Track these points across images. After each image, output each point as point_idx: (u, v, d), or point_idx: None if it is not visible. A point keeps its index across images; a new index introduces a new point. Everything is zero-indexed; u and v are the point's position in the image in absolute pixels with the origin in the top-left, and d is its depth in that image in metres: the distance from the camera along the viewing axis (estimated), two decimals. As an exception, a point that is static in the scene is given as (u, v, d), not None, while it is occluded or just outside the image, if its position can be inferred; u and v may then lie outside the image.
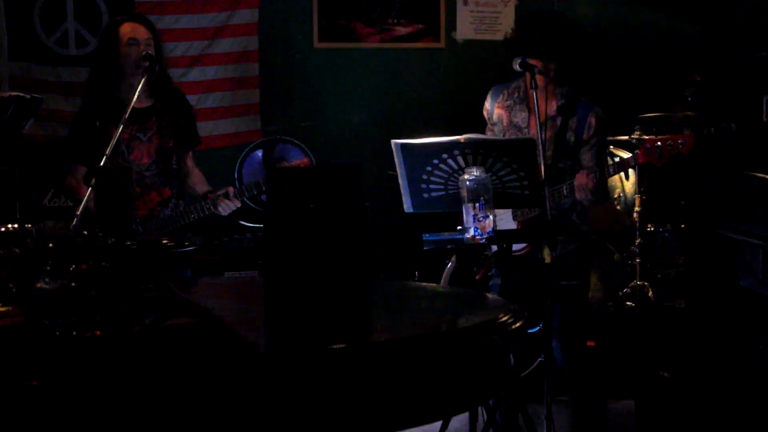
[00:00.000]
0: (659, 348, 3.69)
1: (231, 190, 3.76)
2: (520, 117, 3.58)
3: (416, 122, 5.80)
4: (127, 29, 3.73)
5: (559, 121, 3.51)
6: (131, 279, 1.95)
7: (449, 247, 3.74)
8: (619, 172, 3.52)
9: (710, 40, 6.22)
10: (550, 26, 3.48)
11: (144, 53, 3.61)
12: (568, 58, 3.49)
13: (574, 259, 3.58)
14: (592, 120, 3.52)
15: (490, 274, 3.70)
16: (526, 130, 3.55)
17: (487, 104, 3.69)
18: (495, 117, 3.64)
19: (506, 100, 3.63)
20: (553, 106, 3.53)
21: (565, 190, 3.43)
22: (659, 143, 3.40)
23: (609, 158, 4.91)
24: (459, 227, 2.98)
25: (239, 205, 3.79)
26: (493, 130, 3.63)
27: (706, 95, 5.14)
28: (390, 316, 1.95)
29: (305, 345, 1.55)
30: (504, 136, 3.57)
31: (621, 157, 3.62)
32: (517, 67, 3.44)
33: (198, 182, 3.97)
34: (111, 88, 3.75)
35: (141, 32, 3.72)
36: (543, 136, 3.32)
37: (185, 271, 3.51)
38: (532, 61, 3.43)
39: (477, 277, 3.70)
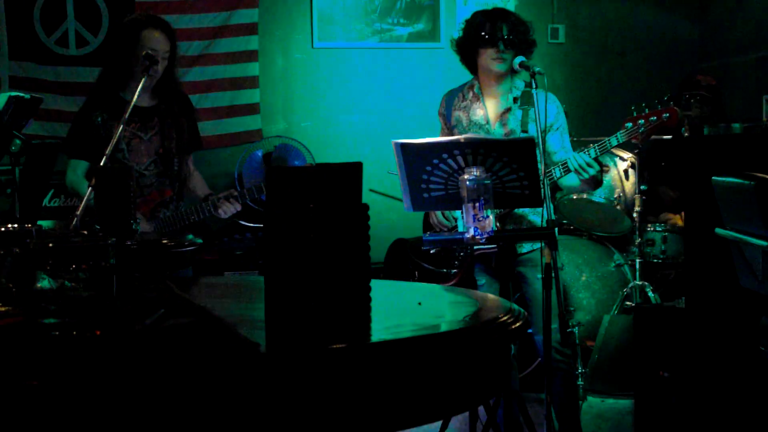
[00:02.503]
0: (659, 348, 3.69)
1: (233, 192, 3.76)
2: (479, 114, 3.69)
3: (416, 122, 5.81)
4: (149, 37, 3.67)
5: (519, 113, 3.61)
6: (131, 279, 1.95)
7: (440, 247, 3.76)
8: (603, 153, 3.51)
9: (710, 40, 6.23)
10: (508, 18, 3.60)
11: (144, 53, 3.60)
12: (525, 47, 3.58)
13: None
14: (552, 107, 3.62)
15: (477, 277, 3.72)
16: (488, 126, 3.66)
17: (443, 109, 3.81)
18: (454, 119, 3.75)
19: (462, 101, 3.75)
20: (509, 99, 3.64)
21: (558, 172, 3.49)
22: (642, 120, 3.41)
23: (608, 157, 4.92)
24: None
25: (240, 208, 3.79)
26: (453, 133, 3.69)
27: (719, 97, 5.13)
28: (390, 316, 1.95)
29: (305, 345, 1.55)
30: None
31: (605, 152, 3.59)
32: (517, 68, 3.51)
33: (198, 185, 3.98)
34: (117, 85, 3.75)
35: (163, 44, 3.68)
36: (541, 132, 3.33)
37: (186, 271, 3.51)
38: (487, 51, 3.56)
39: (454, 281, 3.70)
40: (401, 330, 1.78)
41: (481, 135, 3.59)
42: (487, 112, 3.68)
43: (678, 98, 5.09)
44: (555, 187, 4.27)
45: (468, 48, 3.67)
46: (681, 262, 4.83)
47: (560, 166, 3.48)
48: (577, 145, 4.14)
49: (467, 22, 3.69)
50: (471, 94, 3.72)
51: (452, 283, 3.70)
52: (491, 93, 3.69)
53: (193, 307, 1.78)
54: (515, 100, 3.63)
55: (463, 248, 3.67)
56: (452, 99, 3.79)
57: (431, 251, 3.81)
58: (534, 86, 3.31)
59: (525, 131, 3.52)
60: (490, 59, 3.58)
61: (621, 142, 3.48)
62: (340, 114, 5.90)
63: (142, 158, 3.77)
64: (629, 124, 3.44)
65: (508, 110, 3.64)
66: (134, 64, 3.69)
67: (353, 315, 1.64)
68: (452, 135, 3.69)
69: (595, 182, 3.57)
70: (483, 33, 3.57)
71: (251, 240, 5.16)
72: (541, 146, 3.28)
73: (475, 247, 3.58)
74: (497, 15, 3.62)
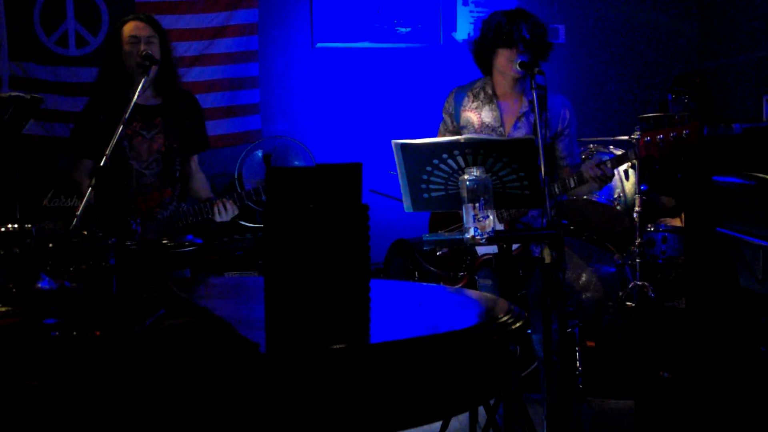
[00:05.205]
0: (659, 348, 3.69)
1: (230, 201, 3.73)
2: (492, 117, 3.59)
3: (416, 122, 5.81)
4: (129, 27, 3.73)
5: (532, 117, 3.52)
6: (131, 279, 1.95)
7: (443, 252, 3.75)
8: (618, 166, 3.49)
9: (710, 40, 6.23)
10: (528, 18, 3.52)
11: (144, 53, 3.61)
12: (544, 49, 3.52)
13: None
14: (566, 112, 3.57)
15: (477, 276, 3.71)
16: (501, 129, 3.57)
17: (450, 107, 3.68)
18: (463, 120, 3.63)
19: (472, 102, 3.63)
20: (525, 102, 3.55)
21: (571, 182, 3.43)
22: (661, 135, 3.36)
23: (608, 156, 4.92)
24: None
25: (236, 212, 3.77)
26: (460, 133, 3.60)
27: (705, 96, 5.14)
28: (390, 316, 1.95)
29: (305, 345, 1.55)
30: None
31: (617, 154, 3.57)
32: (517, 68, 3.46)
33: (201, 188, 3.94)
34: (118, 86, 3.75)
35: (142, 30, 3.72)
36: (542, 133, 3.32)
37: (184, 271, 3.50)
38: (506, 52, 3.48)
39: (461, 284, 3.69)
40: (401, 330, 1.78)
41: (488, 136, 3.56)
42: (501, 114, 3.58)
43: (662, 102, 5.13)
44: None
45: (485, 48, 3.56)
46: (681, 262, 4.84)
47: (574, 177, 3.44)
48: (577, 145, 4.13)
49: (484, 21, 3.58)
50: (483, 95, 3.61)
51: (459, 286, 3.69)
52: (505, 95, 3.60)
53: (193, 308, 1.78)
54: (531, 103, 3.52)
55: (469, 252, 3.65)
56: (461, 98, 3.66)
57: (438, 253, 3.78)
58: (535, 87, 3.29)
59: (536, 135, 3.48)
60: (508, 60, 3.49)
61: (640, 157, 3.43)
62: (340, 114, 5.90)
63: (143, 157, 3.76)
64: (648, 138, 3.38)
65: (523, 114, 3.57)
66: (126, 62, 3.71)
67: (353, 315, 1.64)
68: (459, 135, 3.65)
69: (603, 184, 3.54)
70: (502, 33, 3.48)
71: (251, 240, 5.16)
72: (542, 148, 3.27)
73: (482, 252, 3.58)
74: (517, 15, 3.52)
